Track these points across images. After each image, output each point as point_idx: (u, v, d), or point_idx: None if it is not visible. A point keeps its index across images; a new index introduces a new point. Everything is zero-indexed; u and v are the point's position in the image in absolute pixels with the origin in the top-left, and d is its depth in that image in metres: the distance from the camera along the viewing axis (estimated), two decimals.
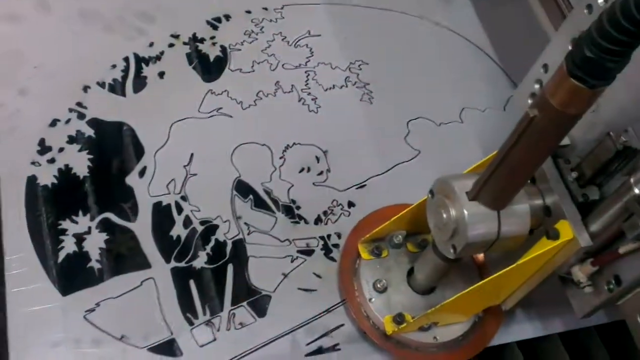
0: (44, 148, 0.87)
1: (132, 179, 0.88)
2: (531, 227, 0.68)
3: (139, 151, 0.90)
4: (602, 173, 0.69)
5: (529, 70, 0.79)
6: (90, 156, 0.88)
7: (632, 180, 0.61)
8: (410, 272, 0.82)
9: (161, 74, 0.97)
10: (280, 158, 0.94)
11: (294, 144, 0.96)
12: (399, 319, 0.79)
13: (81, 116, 0.91)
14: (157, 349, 0.77)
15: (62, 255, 0.80)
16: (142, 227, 0.84)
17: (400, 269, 0.83)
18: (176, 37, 1.01)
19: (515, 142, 0.58)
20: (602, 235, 0.66)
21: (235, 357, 0.78)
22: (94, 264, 0.80)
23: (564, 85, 0.51)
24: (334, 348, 0.81)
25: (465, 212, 0.65)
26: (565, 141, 0.72)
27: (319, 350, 0.80)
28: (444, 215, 0.67)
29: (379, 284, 0.81)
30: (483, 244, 0.67)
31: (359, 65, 1.06)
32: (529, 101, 0.78)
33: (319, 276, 0.86)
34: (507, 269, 0.70)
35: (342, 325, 0.83)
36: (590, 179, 0.69)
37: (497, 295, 0.79)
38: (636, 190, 0.61)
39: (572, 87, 0.50)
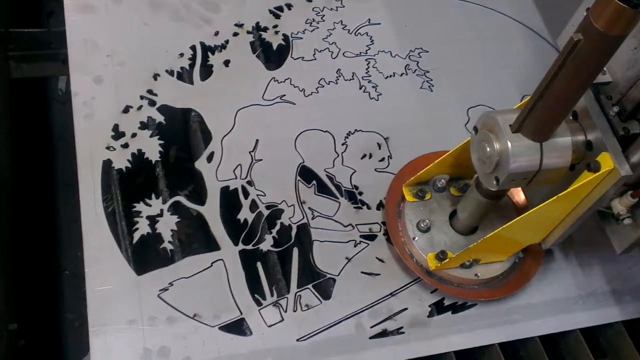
0: (117, 133, 0.90)
1: (200, 164, 0.90)
2: (572, 161, 0.71)
3: (207, 137, 0.93)
4: None
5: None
6: (161, 141, 0.91)
7: None
8: (453, 215, 0.85)
9: (226, 62, 1.00)
10: (343, 144, 0.96)
11: (356, 130, 0.97)
12: (441, 255, 0.82)
13: (152, 103, 0.94)
14: (228, 327, 0.79)
15: (136, 236, 0.83)
16: (211, 211, 0.87)
17: (443, 211, 0.86)
18: (240, 26, 1.04)
19: (559, 68, 0.61)
20: None
21: (302, 337, 0.80)
22: (167, 245, 0.84)
23: (608, 7, 0.56)
24: (398, 331, 0.83)
25: (509, 143, 0.68)
26: (607, 78, 0.74)
27: (383, 333, 0.82)
28: (488, 149, 0.70)
29: (422, 223, 0.85)
30: (525, 175, 0.70)
31: (418, 53, 1.07)
32: None
33: (381, 260, 0.87)
34: (549, 201, 0.73)
35: (406, 309, 0.84)
36: (631, 113, 0.71)
37: (537, 232, 0.81)
38: None
39: (616, 8, 0.55)
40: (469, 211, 0.83)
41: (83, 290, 0.79)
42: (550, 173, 0.72)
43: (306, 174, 0.92)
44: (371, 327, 0.82)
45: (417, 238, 0.85)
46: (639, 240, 0.75)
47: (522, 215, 0.77)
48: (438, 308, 0.85)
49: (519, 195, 0.89)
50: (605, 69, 0.73)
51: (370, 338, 0.82)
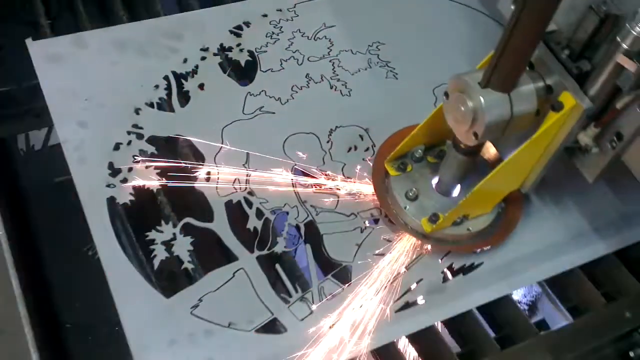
0: (114, 170, 0.93)
1: (200, 185, 0.94)
2: (538, 107, 0.79)
3: (199, 158, 0.96)
4: (589, 46, 0.80)
5: None
6: (157, 170, 0.94)
7: (618, 38, 0.73)
8: (436, 181, 0.93)
9: (201, 86, 1.04)
10: (328, 142, 1.01)
11: (337, 127, 1.03)
12: (434, 218, 0.89)
13: (140, 136, 0.97)
14: (263, 329, 0.83)
15: (156, 262, 0.86)
16: (220, 225, 0.91)
17: (426, 179, 0.94)
18: (205, 50, 1.08)
19: (515, 23, 0.70)
20: (600, 96, 0.77)
21: (334, 323, 0.85)
22: (187, 265, 0.87)
23: None
24: (417, 302, 0.88)
25: (481, 98, 0.76)
26: (553, 27, 0.82)
27: (406, 306, 0.87)
28: (462, 108, 0.78)
29: (410, 193, 0.91)
30: (500, 125, 0.78)
31: (377, 47, 1.14)
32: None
33: (389, 240, 0.93)
34: (522, 146, 0.81)
35: (422, 279, 0.90)
36: (580, 53, 0.80)
37: (516, 179, 0.89)
38: (624, 45, 0.72)
39: None
40: (450, 173, 0.90)
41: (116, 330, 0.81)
42: (520, 120, 0.80)
43: (300, 175, 0.97)
44: (394, 302, 0.87)
45: (407, 207, 0.91)
46: (607, 166, 0.83)
47: (500, 165, 0.84)
48: (450, 273, 0.91)
49: (489, 152, 0.96)
50: None
51: (396, 312, 0.87)
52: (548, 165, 0.87)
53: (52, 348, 0.85)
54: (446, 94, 0.82)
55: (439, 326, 0.90)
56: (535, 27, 0.72)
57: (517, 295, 1.11)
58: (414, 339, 0.87)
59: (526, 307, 1.04)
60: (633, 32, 0.72)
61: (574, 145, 0.84)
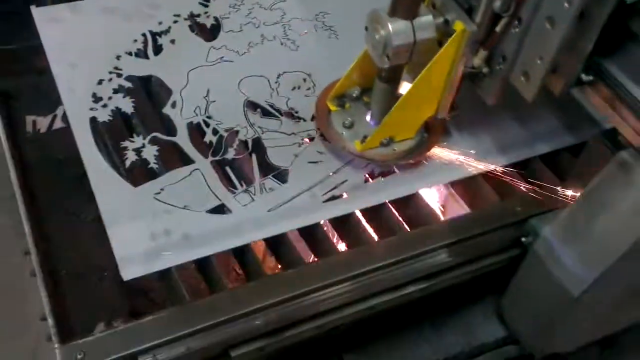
0: (96, 99, 1.14)
1: (166, 110, 1.15)
2: (439, 37, 0.98)
3: (168, 92, 1.17)
4: None
5: None
6: (132, 99, 1.15)
7: None
8: (369, 115, 1.12)
9: (172, 41, 1.26)
10: (275, 83, 1.22)
11: (284, 72, 1.24)
12: (364, 139, 1.08)
13: (119, 75, 1.18)
14: (213, 210, 1.02)
15: (127, 163, 1.06)
16: (182, 139, 1.11)
17: (361, 113, 1.13)
18: (178, 15, 1.30)
19: None
20: (483, 21, 0.95)
21: (271, 209, 1.03)
22: (153, 165, 1.07)
23: None
24: (342, 196, 1.07)
25: (389, 24, 0.95)
26: None
27: (332, 198, 1.06)
28: (377, 36, 0.98)
29: (346, 122, 1.11)
30: (407, 48, 0.97)
31: (322, 15, 1.36)
32: None
33: (321, 153, 1.12)
34: (424, 70, 1.00)
35: (346, 180, 1.09)
36: None
37: (428, 103, 1.07)
38: None
39: None
40: (377, 102, 1.10)
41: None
42: (423, 45, 0.99)
43: (251, 105, 1.18)
44: (322, 195, 1.06)
45: (344, 132, 1.11)
46: (500, 87, 1.02)
47: (412, 85, 1.04)
48: (371, 177, 1.10)
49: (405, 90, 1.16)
50: None
51: (323, 202, 1.06)
52: (453, 89, 1.06)
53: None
54: (366, 28, 1.02)
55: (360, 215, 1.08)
56: None
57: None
58: (336, 224, 1.05)
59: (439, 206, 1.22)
60: None
61: (472, 70, 1.04)
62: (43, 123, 1.51)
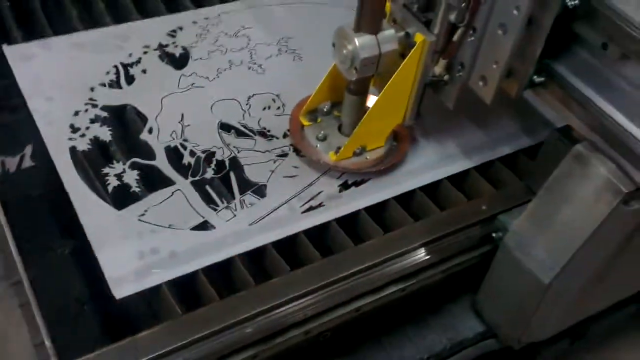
0: (74, 129, 1.17)
1: (144, 136, 1.18)
2: (401, 50, 1.06)
3: (144, 119, 1.21)
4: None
5: None
6: (109, 128, 1.18)
7: None
8: (340, 127, 1.18)
9: (144, 71, 1.30)
10: (246, 104, 1.27)
11: (254, 94, 1.29)
12: (337, 151, 1.14)
13: (94, 106, 1.22)
14: (197, 227, 1.06)
15: (110, 188, 1.09)
16: (161, 162, 1.15)
17: (333, 127, 1.19)
18: (147, 47, 1.35)
19: None
20: (441, 32, 1.03)
21: (252, 222, 1.08)
22: (135, 189, 1.10)
23: None
24: (319, 205, 1.12)
25: (355, 39, 1.02)
26: None
27: (310, 209, 1.11)
28: (344, 51, 1.04)
29: (319, 135, 1.17)
30: (372, 60, 1.03)
31: (286, 40, 1.42)
32: None
33: (296, 167, 1.17)
34: (390, 80, 1.06)
35: (322, 191, 1.14)
36: (426, 7, 1.06)
37: (395, 112, 1.14)
38: None
39: None
40: (348, 114, 1.16)
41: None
42: (388, 57, 1.06)
43: (225, 127, 1.22)
44: (300, 207, 1.11)
45: (318, 145, 1.16)
46: (459, 92, 1.10)
47: (379, 96, 1.10)
48: (345, 186, 1.16)
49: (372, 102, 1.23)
50: None
51: (302, 213, 1.10)
52: (418, 97, 1.13)
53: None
54: (333, 44, 1.08)
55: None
56: None
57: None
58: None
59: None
60: None
61: (433, 79, 1.11)
62: (11, 163, 1.54)
